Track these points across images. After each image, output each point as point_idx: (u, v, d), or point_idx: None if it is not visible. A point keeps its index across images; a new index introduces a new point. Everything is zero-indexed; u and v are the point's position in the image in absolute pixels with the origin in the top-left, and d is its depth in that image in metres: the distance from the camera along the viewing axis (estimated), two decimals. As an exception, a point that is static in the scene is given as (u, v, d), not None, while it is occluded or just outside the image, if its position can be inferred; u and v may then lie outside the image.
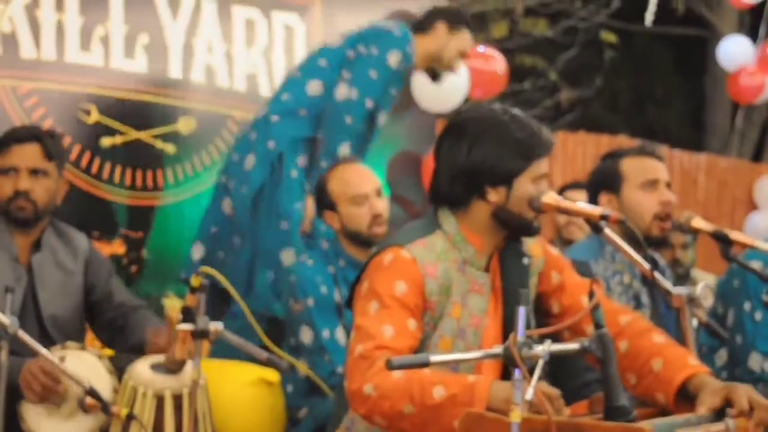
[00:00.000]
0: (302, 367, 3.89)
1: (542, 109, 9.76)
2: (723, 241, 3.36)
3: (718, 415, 2.58)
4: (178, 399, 3.25)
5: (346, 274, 4.22)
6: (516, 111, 2.97)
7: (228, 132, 5.06)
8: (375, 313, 2.81)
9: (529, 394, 2.18)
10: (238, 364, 4.08)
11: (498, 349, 2.28)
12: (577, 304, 3.01)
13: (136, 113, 4.79)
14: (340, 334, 4.14)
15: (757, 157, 11.27)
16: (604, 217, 2.84)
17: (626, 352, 2.86)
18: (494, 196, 2.90)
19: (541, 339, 2.32)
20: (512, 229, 2.93)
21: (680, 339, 3.06)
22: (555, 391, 2.52)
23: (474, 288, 2.92)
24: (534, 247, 3.05)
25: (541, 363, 2.23)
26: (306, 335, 4.18)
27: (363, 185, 4.28)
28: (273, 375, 4.05)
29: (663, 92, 13.51)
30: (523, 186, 2.88)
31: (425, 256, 2.87)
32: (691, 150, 8.94)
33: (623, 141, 7.77)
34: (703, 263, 6.48)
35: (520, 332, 2.25)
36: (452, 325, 2.87)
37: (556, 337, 2.63)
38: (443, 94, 5.85)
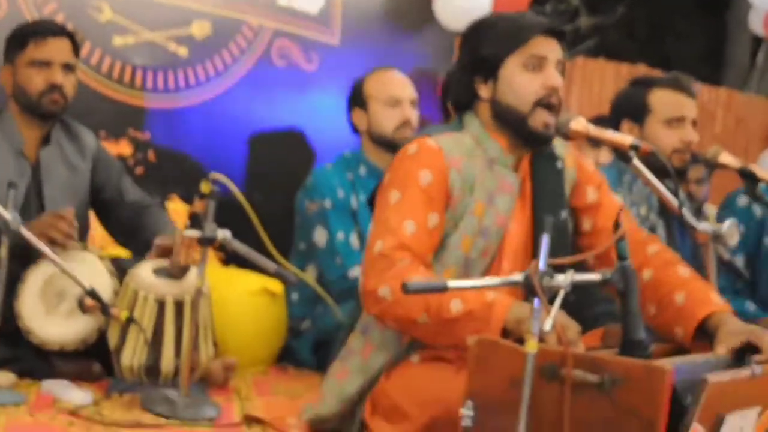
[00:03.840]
0: (310, 279, 3.82)
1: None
2: (750, 178, 3.25)
3: (737, 356, 2.50)
4: (179, 305, 3.17)
5: (365, 182, 4.18)
6: (516, 13, 2.89)
7: (243, 38, 4.93)
8: (396, 204, 2.71)
9: (548, 325, 2.09)
10: (242, 272, 4.02)
11: (518, 276, 2.19)
12: (609, 228, 2.88)
13: (150, 14, 4.66)
14: (354, 238, 4.11)
15: (776, 95, 11.14)
16: (634, 147, 2.72)
17: (649, 282, 2.78)
18: (485, 91, 2.83)
19: (563, 267, 2.23)
20: (513, 129, 2.81)
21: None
22: (573, 323, 2.44)
23: (502, 186, 2.81)
24: (568, 155, 2.95)
25: (562, 293, 2.14)
26: (320, 236, 4.14)
27: (400, 90, 4.34)
28: (277, 285, 4.00)
29: (683, 24, 13.30)
30: (511, 73, 2.78)
31: (452, 147, 2.77)
32: (708, 84, 8.79)
33: (643, 70, 7.61)
34: (715, 199, 6.38)
35: (542, 261, 2.15)
36: (474, 223, 2.76)
37: (578, 264, 2.57)
38: (464, 11, 5.71)
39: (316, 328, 4.13)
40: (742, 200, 4.17)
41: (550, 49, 2.81)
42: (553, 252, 2.74)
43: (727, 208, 4.26)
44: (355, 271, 4.07)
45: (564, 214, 2.87)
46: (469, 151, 2.79)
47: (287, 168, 5.05)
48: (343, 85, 5.28)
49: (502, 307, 2.52)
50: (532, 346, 2.12)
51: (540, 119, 2.78)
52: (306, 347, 4.14)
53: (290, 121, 5.11)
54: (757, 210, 4.17)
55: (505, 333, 2.50)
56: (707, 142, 6.77)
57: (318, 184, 4.24)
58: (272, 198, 4.80)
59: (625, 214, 2.94)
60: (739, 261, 4.16)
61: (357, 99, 4.36)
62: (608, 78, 7.31)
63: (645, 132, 3.63)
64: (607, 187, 3.00)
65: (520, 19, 2.82)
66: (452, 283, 2.17)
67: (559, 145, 2.95)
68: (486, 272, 2.78)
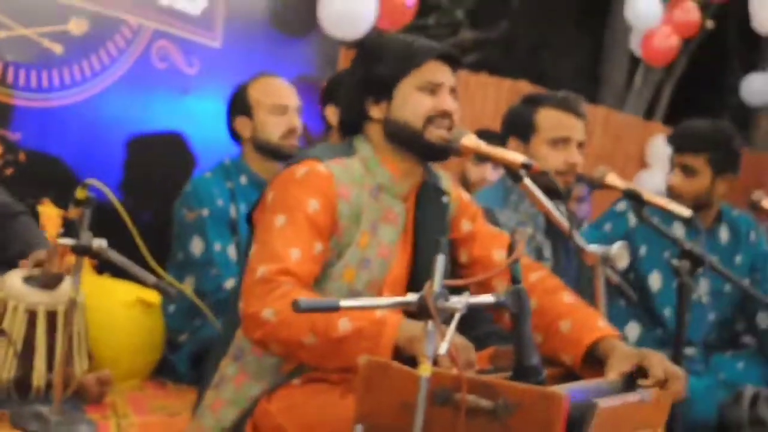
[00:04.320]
0: (189, 291, 3.70)
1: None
2: (636, 200, 3.24)
3: (628, 380, 2.47)
4: (52, 316, 3.02)
5: (246, 191, 4.08)
6: (408, 35, 2.84)
7: (121, 37, 4.78)
8: (281, 229, 2.60)
9: (443, 348, 2.02)
10: (117, 281, 3.88)
11: (412, 297, 2.11)
12: (487, 256, 2.87)
13: (23, 8, 4.46)
14: (231, 249, 4.01)
15: (649, 115, 11.34)
16: (525, 166, 2.66)
17: (534, 310, 2.68)
18: (377, 112, 2.76)
19: (453, 290, 2.16)
20: (408, 145, 2.74)
21: (581, 296, 2.96)
22: (468, 344, 2.37)
23: (387, 216, 2.74)
24: (452, 189, 2.91)
25: (457, 316, 2.07)
26: (196, 246, 4.04)
27: (286, 98, 4.27)
28: (153, 296, 3.87)
29: (561, 41, 13.50)
30: (406, 94, 2.73)
31: (342, 175, 2.68)
32: (585, 102, 8.89)
33: (524, 86, 7.66)
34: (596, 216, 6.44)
35: (437, 282, 2.08)
36: (358, 254, 2.68)
37: (461, 289, 2.51)
38: (349, 20, 5.67)
39: (194, 341, 4.01)
40: (620, 206, 4.21)
41: (443, 75, 2.77)
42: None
43: (604, 213, 4.31)
44: (230, 283, 3.97)
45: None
46: (358, 179, 2.71)
47: (166, 172, 4.91)
48: (224, 89, 5.17)
49: (392, 324, 2.44)
50: (425, 370, 2.05)
51: (435, 133, 2.73)
52: (184, 361, 4.02)
53: (169, 124, 4.98)
54: (631, 218, 4.21)
55: (397, 351, 2.42)
56: (585, 160, 6.85)
57: (196, 192, 4.14)
58: (150, 204, 4.66)
59: (505, 239, 2.90)
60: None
61: (240, 106, 4.26)
62: (490, 93, 7.34)
63: (530, 151, 3.60)
64: (482, 217, 2.96)
65: (414, 42, 2.78)
66: (344, 303, 2.08)
67: (444, 177, 2.90)
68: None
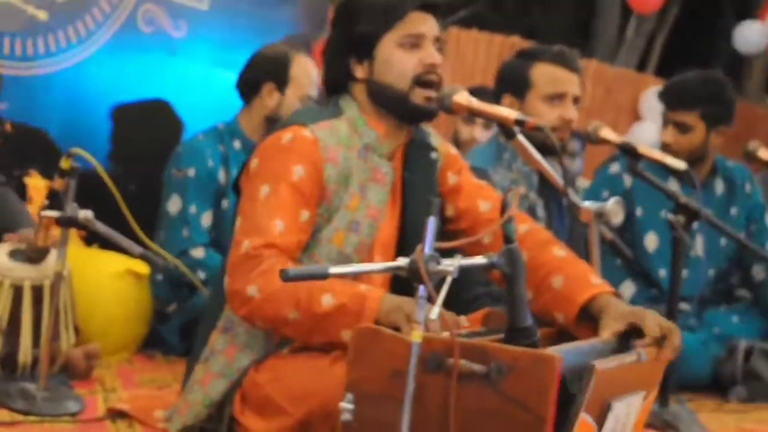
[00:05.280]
0: (178, 261, 3.64)
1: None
2: (631, 154, 3.19)
3: (622, 339, 2.44)
4: (38, 291, 2.97)
5: (239, 157, 4.02)
6: None
7: (106, 2, 4.70)
8: (265, 199, 2.55)
9: (435, 312, 1.98)
10: (105, 252, 3.82)
11: (402, 261, 2.06)
12: (473, 208, 2.82)
13: (6, -26, 4.40)
14: (206, 217, 3.97)
15: (641, 67, 11.26)
16: (519, 122, 2.58)
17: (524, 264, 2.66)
18: (360, 72, 2.70)
19: (443, 252, 2.11)
20: (392, 109, 2.69)
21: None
22: (452, 315, 2.33)
23: (375, 177, 2.69)
24: (441, 145, 2.85)
25: (449, 280, 2.02)
26: (174, 204, 4.00)
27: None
28: (142, 267, 3.81)
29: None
30: (388, 52, 2.66)
31: (329, 138, 2.63)
32: (577, 56, 8.82)
33: (516, 41, 7.59)
34: (588, 173, 6.40)
35: (428, 245, 2.04)
36: (347, 217, 2.64)
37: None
38: (338, -23, 5.59)
39: (183, 312, 3.96)
40: (614, 168, 4.17)
41: (426, 25, 2.70)
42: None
43: (598, 177, 4.26)
44: (198, 252, 3.93)
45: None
46: (345, 141, 2.66)
47: (153, 140, 4.85)
48: (212, 52, 5.11)
49: (374, 299, 2.42)
50: (416, 336, 2.01)
51: (421, 95, 2.67)
52: (173, 332, 3.98)
53: (157, 89, 4.90)
54: (627, 179, 4.16)
55: (378, 325, 2.39)
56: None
57: (186, 152, 4.10)
58: (137, 172, 4.60)
59: (490, 189, 2.85)
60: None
61: (281, 77, 4.19)
62: (481, 49, 7.26)
63: (525, 107, 3.54)
64: (467, 170, 2.90)
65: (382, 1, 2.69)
66: (334, 269, 2.04)
67: (433, 134, 2.85)
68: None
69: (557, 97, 3.54)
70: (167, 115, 4.93)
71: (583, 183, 5.81)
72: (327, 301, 2.42)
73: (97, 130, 4.68)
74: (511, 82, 3.61)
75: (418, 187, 2.77)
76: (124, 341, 3.83)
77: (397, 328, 2.32)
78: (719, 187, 4.30)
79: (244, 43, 5.27)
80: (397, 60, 2.66)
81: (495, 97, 3.64)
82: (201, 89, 5.02)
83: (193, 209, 3.99)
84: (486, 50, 7.30)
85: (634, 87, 8.65)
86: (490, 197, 2.83)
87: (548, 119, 3.48)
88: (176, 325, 3.98)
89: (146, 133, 4.85)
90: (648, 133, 8.39)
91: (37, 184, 4.35)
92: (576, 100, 3.58)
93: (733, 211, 4.31)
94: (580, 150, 5.88)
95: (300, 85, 4.16)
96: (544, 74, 3.57)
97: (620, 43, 11.02)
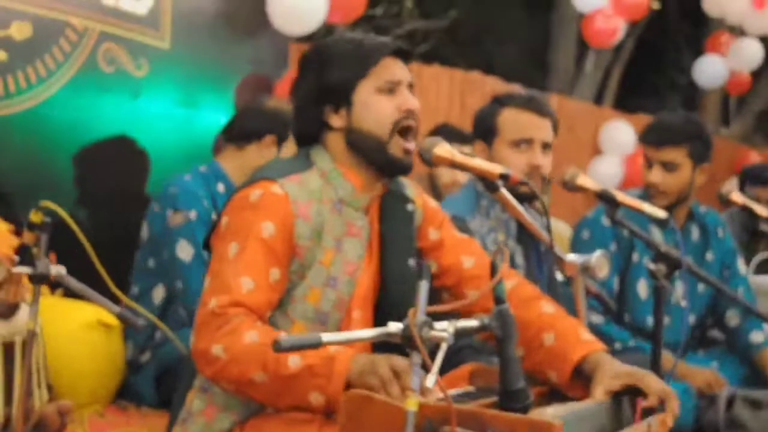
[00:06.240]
0: (156, 320, 3.55)
1: (394, 37, 9.50)
2: (609, 202, 3.16)
3: (616, 399, 2.40)
4: (9, 348, 2.88)
5: (224, 199, 3.97)
6: (351, 33, 2.72)
7: (66, 41, 4.62)
8: (234, 258, 2.47)
9: (430, 381, 1.93)
10: (73, 303, 3.74)
11: (394, 328, 2.01)
12: (457, 264, 2.76)
13: (-37, 14, 4.31)
14: None
15: (598, 101, 11.32)
16: (503, 177, 2.54)
17: None
18: (337, 121, 2.62)
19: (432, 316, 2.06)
20: (371, 159, 2.62)
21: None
22: (405, 364, 2.25)
23: (351, 231, 2.62)
24: (417, 196, 2.79)
25: (444, 346, 1.97)
26: (184, 250, 3.90)
27: None
28: (112, 317, 3.71)
29: (505, 27, 13.41)
30: (366, 98, 2.59)
31: (299, 193, 2.55)
32: (532, 89, 8.84)
33: (476, 77, 7.57)
34: (554, 210, 6.39)
35: (421, 310, 1.99)
36: (322, 273, 2.57)
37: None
38: (298, 15, 5.57)
39: (157, 361, 3.88)
40: (608, 220, 4.13)
41: (400, 71, 2.64)
42: (402, 301, 2.60)
43: (591, 229, 4.22)
44: None
45: (412, 261, 2.71)
46: (317, 194, 2.59)
47: (120, 179, 4.77)
48: (175, 91, 5.05)
49: (343, 360, 2.34)
50: (411, 404, 1.95)
51: (399, 146, 2.61)
52: (147, 382, 3.90)
53: (120, 129, 4.84)
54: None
55: (347, 387, 2.32)
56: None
57: (184, 192, 4.03)
58: (104, 215, 4.52)
59: (474, 244, 2.81)
60: (615, 282, 4.14)
61: (281, 131, 4.22)
62: (443, 84, 7.24)
63: (493, 154, 3.48)
64: (449, 224, 2.85)
65: (364, 41, 2.64)
66: (326, 337, 1.98)
67: (408, 185, 2.79)
68: (339, 325, 2.60)
69: (524, 143, 3.47)
70: (133, 152, 4.86)
71: (561, 226, 5.81)
72: (294, 362, 2.35)
73: (59, 172, 4.60)
74: (481, 129, 3.56)
75: (396, 240, 2.71)
76: (95, 394, 3.75)
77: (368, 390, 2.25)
78: (695, 233, 4.30)
79: (206, 82, 5.23)
80: (375, 105, 2.60)
81: (471, 141, 3.59)
82: (165, 128, 4.96)
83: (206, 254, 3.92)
84: (448, 85, 7.28)
85: (594, 121, 8.68)
86: (473, 252, 2.78)
87: (516, 165, 3.41)
88: (150, 374, 3.90)
89: (112, 173, 4.77)
90: (608, 167, 8.41)
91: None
92: (546, 146, 3.52)
93: (709, 256, 4.31)
94: (546, 187, 5.87)
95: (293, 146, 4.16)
96: (510, 120, 3.51)
97: (577, 76, 11.06)
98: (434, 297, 2.73)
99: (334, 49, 2.64)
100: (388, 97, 2.61)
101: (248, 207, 2.53)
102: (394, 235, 2.70)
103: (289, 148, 4.27)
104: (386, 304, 2.67)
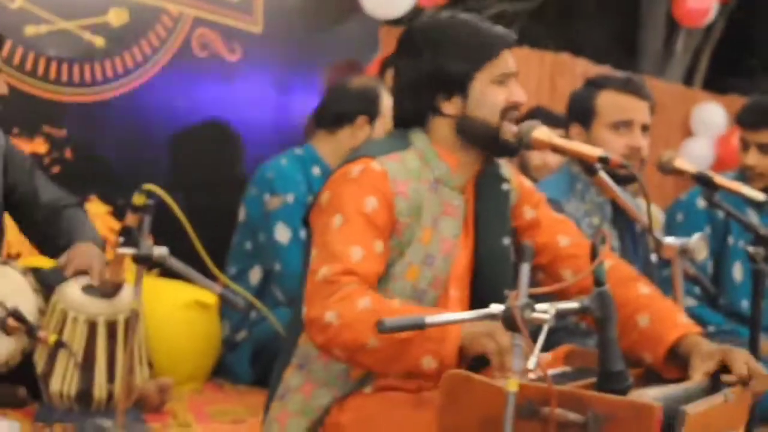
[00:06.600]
0: (254, 300, 3.60)
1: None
2: (707, 185, 3.13)
3: (714, 380, 2.39)
4: (112, 326, 2.95)
5: (319, 182, 4.01)
6: (464, 15, 2.68)
7: (162, 27, 4.70)
8: (339, 229, 2.49)
9: (532, 362, 1.94)
10: (171, 283, 3.80)
11: (496, 309, 2.03)
12: (553, 243, 2.75)
13: (63, 1, 4.39)
14: None
15: (688, 82, 11.16)
16: (602, 160, 2.52)
17: None
18: (450, 108, 2.62)
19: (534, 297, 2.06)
20: (482, 144, 2.63)
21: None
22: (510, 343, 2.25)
23: (447, 210, 2.62)
24: (512, 177, 2.79)
25: (546, 328, 1.98)
26: (283, 233, 3.95)
27: None
28: (209, 297, 3.79)
29: (593, 8, 13.27)
30: (481, 89, 2.58)
31: (398, 171, 2.56)
32: (621, 70, 8.74)
33: (566, 59, 7.52)
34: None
35: (523, 292, 2.00)
36: (420, 251, 2.58)
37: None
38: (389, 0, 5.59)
39: (252, 340, 3.93)
40: (702, 202, 4.09)
41: (512, 63, 2.65)
42: (497, 281, 2.61)
43: (685, 212, 4.19)
44: None
45: (507, 240, 2.72)
46: (415, 173, 2.60)
47: (214, 162, 4.85)
48: (267, 75, 5.11)
49: (456, 325, 2.35)
50: (512, 384, 1.96)
51: (509, 131, 2.63)
52: (243, 360, 3.95)
53: (213, 113, 4.91)
54: (720, 211, 4.09)
55: (461, 352, 2.34)
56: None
57: (281, 177, 4.07)
58: (199, 198, 4.59)
59: (570, 224, 2.80)
60: (710, 265, 4.09)
61: (372, 110, 4.27)
62: (532, 67, 7.20)
63: (591, 136, 3.48)
64: (545, 203, 2.85)
65: (483, 31, 2.62)
66: (430, 319, 2.00)
67: (504, 165, 2.80)
68: (436, 303, 2.61)
69: (623, 125, 3.47)
70: (224, 141, 4.92)
71: (656, 212, 5.75)
72: None
73: (155, 155, 4.68)
74: (578, 112, 3.56)
75: (491, 219, 2.72)
76: (193, 371, 3.82)
77: (484, 356, 2.26)
78: (794, 215, 4.24)
79: (298, 66, 5.28)
80: (491, 95, 2.61)
81: (563, 122, 3.59)
82: (257, 112, 5.01)
83: (303, 234, 3.95)
84: (538, 68, 7.23)
85: (684, 102, 8.56)
86: (569, 232, 2.78)
87: (615, 148, 3.42)
88: (246, 353, 3.95)
89: (206, 155, 4.84)
90: (700, 150, 8.30)
91: (97, 210, 4.35)
92: (645, 128, 3.51)
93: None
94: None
95: (386, 119, 4.18)
96: (610, 102, 3.51)
97: (667, 57, 10.91)
98: (530, 277, 2.76)
99: (451, 35, 2.61)
100: (500, 88, 2.62)
101: (350, 182, 2.55)
102: (489, 214, 2.71)
103: (380, 123, 4.28)
104: (481, 283, 2.68)
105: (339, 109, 4.29)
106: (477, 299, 2.65)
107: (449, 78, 2.60)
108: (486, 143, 2.63)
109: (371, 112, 4.23)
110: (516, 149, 2.65)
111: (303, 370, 2.62)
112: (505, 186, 2.75)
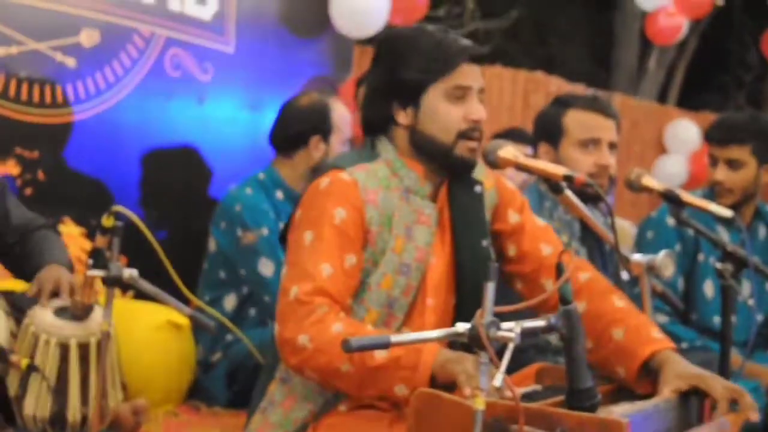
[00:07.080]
0: (226, 321, 3.59)
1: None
2: (674, 202, 3.14)
3: (683, 398, 2.40)
4: (84, 349, 2.93)
5: (284, 206, 4.00)
6: (431, 27, 2.68)
7: (134, 47, 4.70)
8: (310, 245, 2.51)
9: (498, 380, 1.94)
10: (143, 304, 3.80)
11: (462, 328, 2.03)
12: (536, 251, 2.76)
13: (34, 21, 4.38)
14: None
15: (662, 99, 11.23)
16: (567, 179, 2.55)
17: (584, 313, 2.55)
18: (403, 117, 2.63)
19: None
20: (434, 160, 2.64)
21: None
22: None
23: (420, 219, 2.63)
24: (486, 177, 2.78)
25: (511, 346, 1.99)
26: (266, 267, 3.94)
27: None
28: (182, 318, 3.78)
29: (567, 26, 13.34)
30: (434, 102, 2.59)
31: (368, 180, 2.58)
32: (598, 88, 8.79)
33: (540, 77, 7.56)
34: (618, 209, 6.36)
35: (488, 310, 2.01)
36: (394, 260, 2.59)
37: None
38: (361, 18, 5.60)
39: (228, 360, 3.93)
40: (672, 220, 4.11)
41: (473, 77, 2.64)
42: (481, 283, 2.62)
43: (656, 229, 4.21)
44: None
45: (485, 242, 2.72)
46: (385, 182, 2.62)
47: (184, 186, 4.84)
48: (239, 95, 5.11)
49: (430, 352, 2.37)
50: (479, 402, 1.97)
51: (464, 147, 2.63)
52: (219, 382, 3.94)
53: (185, 133, 4.91)
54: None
55: (432, 379, 2.36)
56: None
57: (250, 210, 4.05)
58: (167, 219, 4.59)
59: (551, 232, 2.82)
60: (680, 282, 4.11)
61: (322, 128, 4.21)
62: (506, 85, 7.24)
63: (559, 155, 3.51)
64: (529, 208, 2.86)
65: (443, 42, 2.61)
66: (395, 338, 2.01)
67: (476, 168, 2.80)
68: (409, 310, 2.63)
69: (591, 143, 3.51)
70: (196, 161, 4.93)
71: (627, 226, 5.77)
72: (381, 354, 2.38)
73: (127, 175, 4.67)
74: (546, 130, 3.59)
75: (466, 222, 2.72)
76: (168, 393, 3.81)
77: (452, 383, 2.28)
78: (762, 231, 4.27)
79: (270, 86, 5.28)
80: (443, 112, 2.60)
81: (532, 141, 3.60)
82: (228, 132, 5.02)
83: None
84: (511, 86, 7.27)
85: (658, 119, 8.62)
86: (551, 240, 2.78)
87: (583, 166, 3.45)
88: (221, 374, 3.94)
89: (175, 179, 4.84)
90: (673, 166, 8.35)
91: (71, 232, 4.34)
92: (612, 146, 3.55)
93: (775, 255, 4.27)
94: (610, 189, 5.84)
95: (341, 131, 4.18)
96: (577, 121, 3.54)
97: (641, 74, 10.98)
98: (507, 284, 2.77)
99: (411, 44, 2.62)
100: (456, 104, 2.61)
101: (319, 194, 2.57)
102: (465, 218, 2.71)
103: (336, 138, 4.26)
104: (465, 288, 2.68)
105: (291, 132, 4.25)
106: (463, 304, 2.67)
107: (403, 87, 2.61)
108: (437, 160, 2.63)
109: (323, 130, 4.20)
110: (472, 164, 2.65)
111: (286, 385, 2.64)
112: (477, 188, 2.74)
